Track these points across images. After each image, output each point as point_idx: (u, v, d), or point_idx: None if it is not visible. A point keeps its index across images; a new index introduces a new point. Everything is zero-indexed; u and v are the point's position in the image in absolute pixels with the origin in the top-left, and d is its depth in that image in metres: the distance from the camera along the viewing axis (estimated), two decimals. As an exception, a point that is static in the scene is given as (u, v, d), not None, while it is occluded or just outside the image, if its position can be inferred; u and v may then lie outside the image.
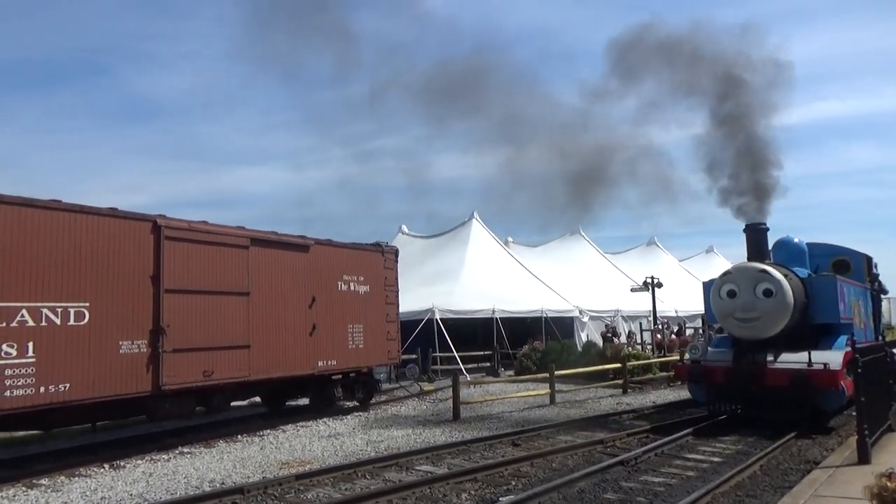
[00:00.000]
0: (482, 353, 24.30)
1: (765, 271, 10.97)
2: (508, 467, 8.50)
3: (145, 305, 10.13)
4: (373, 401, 15.84)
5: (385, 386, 18.16)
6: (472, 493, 7.45)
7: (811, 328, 11.45)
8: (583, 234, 36.22)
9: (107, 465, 9.50)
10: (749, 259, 11.83)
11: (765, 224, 12.32)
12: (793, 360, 10.48)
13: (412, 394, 18.05)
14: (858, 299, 12.96)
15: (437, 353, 22.86)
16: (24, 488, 8.33)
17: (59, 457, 10.28)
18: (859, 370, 7.51)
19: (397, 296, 15.98)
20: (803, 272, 12.03)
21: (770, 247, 12.81)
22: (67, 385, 8.95)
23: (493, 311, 23.93)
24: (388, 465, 8.91)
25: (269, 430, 12.32)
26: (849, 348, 10.21)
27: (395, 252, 16.23)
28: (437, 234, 30.64)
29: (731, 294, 11.22)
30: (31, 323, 8.65)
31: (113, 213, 9.91)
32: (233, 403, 13.24)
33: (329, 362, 13.61)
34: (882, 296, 15.57)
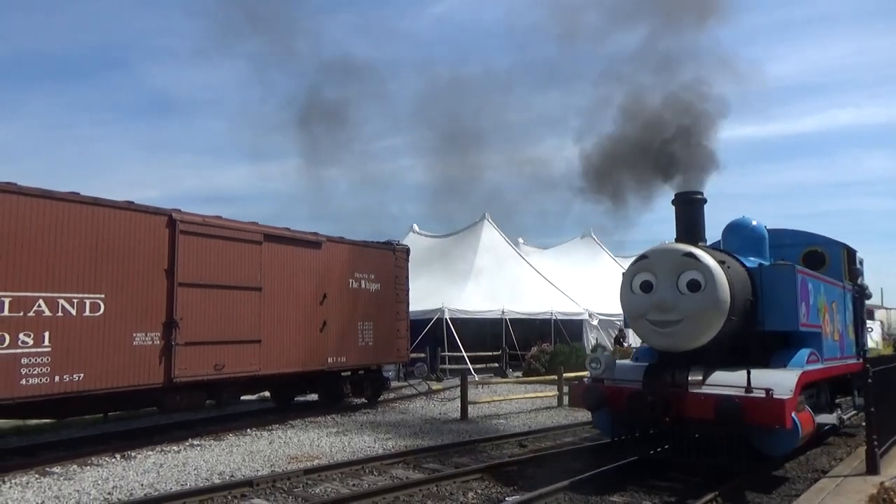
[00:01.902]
0: (490, 353, 24.34)
1: (691, 255, 7.75)
2: (515, 467, 8.54)
3: (159, 298, 10.25)
4: (381, 398, 15.92)
5: (393, 384, 18.24)
6: (479, 491, 7.49)
7: (761, 338, 8.47)
8: (594, 237, 36.15)
9: (118, 455, 9.63)
10: (678, 241, 8.54)
11: (700, 193, 8.84)
12: (728, 381, 7.38)
13: (420, 392, 18.11)
14: (832, 301, 9.84)
15: (446, 353, 22.91)
16: (36, 476, 8.47)
17: (71, 446, 10.43)
18: (869, 380, 7.48)
19: (407, 294, 16.05)
20: (756, 263, 8.86)
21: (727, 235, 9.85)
22: (81, 375, 9.08)
23: (503, 312, 23.96)
24: (396, 461, 8.98)
25: (277, 425, 12.43)
26: (810, 367, 8.09)
27: (407, 251, 16.30)
28: (448, 234, 30.68)
29: (647, 287, 8.03)
30: (47, 313, 8.79)
31: (129, 207, 10.04)
32: (242, 397, 13.38)
33: (338, 359, 13.70)
34: (866, 300, 12.09)
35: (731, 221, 9.77)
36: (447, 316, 22.59)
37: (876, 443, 7.30)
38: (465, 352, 22.84)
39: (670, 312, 7.79)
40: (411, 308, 16.60)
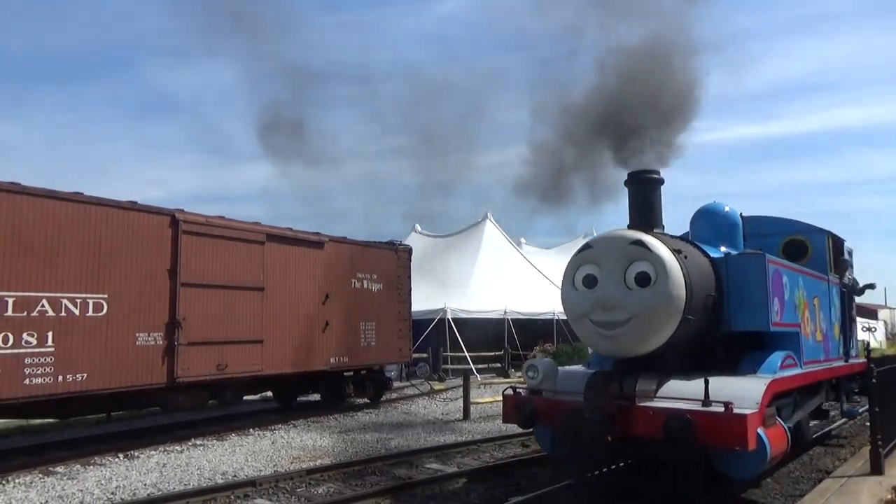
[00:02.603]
0: (493, 353, 24.34)
1: (640, 243, 6.60)
2: (518, 467, 8.53)
3: (162, 298, 10.26)
4: (383, 398, 15.92)
5: (396, 384, 18.25)
6: (482, 492, 7.49)
7: (727, 339, 7.33)
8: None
9: (121, 455, 9.64)
10: (631, 228, 7.20)
11: (656, 172, 7.48)
12: (685, 392, 6.22)
13: (422, 392, 18.10)
14: (814, 297, 8.65)
15: (448, 353, 22.91)
16: (40, 475, 8.48)
17: (75, 445, 10.45)
18: (874, 380, 7.45)
19: (410, 294, 16.05)
20: (723, 253, 7.63)
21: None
22: (85, 375, 9.09)
23: (505, 312, 23.95)
24: (398, 462, 8.97)
25: (280, 425, 12.43)
26: (785, 373, 6.96)
27: (409, 251, 16.30)
28: (450, 234, 30.69)
29: (591, 281, 6.80)
30: (50, 313, 8.80)
31: (132, 207, 10.05)
32: (245, 397, 13.39)
33: (341, 359, 13.70)
34: (856, 296, 10.83)
35: (699, 208, 8.56)
36: (449, 316, 22.59)
37: (880, 443, 7.27)
38: (468, 352, 22.84)
39: (616, 311, 6.55)
40: (413, 308, 16.59)
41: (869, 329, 50.64)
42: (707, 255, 7.29)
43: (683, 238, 7.64)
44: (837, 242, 10.20)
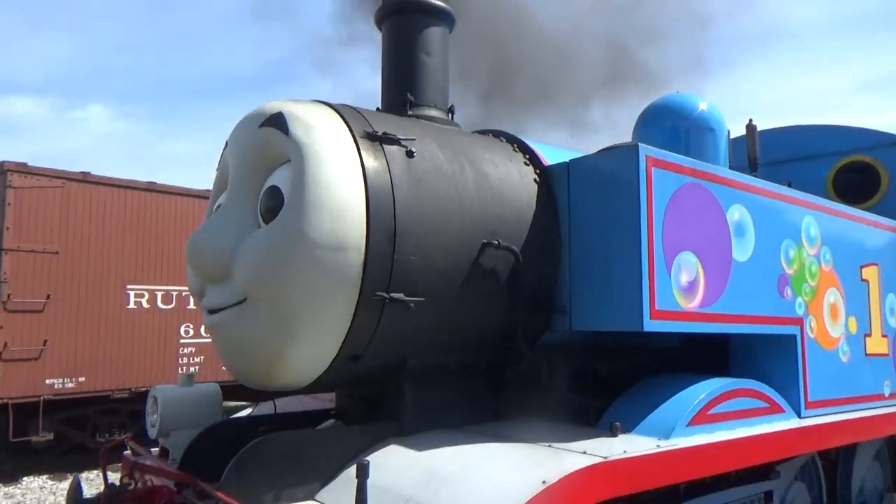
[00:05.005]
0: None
1: (275, 122, 2.70)
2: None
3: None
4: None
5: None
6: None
7: (584, 348, 3.56)
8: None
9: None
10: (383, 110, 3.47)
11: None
12: (404, 481, 2.46)
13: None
14: (864, 265, 4.47)
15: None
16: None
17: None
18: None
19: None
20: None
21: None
22: None
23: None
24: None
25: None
26: (695, 438, 3.01)
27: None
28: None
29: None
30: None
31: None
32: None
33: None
34: None
35: (652, 103, 4.40)
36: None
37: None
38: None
39: (223, 285, 2.85)
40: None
41: None
42: (532, 160, 3.50)
43: (499, 133, 3.73)
44: None
